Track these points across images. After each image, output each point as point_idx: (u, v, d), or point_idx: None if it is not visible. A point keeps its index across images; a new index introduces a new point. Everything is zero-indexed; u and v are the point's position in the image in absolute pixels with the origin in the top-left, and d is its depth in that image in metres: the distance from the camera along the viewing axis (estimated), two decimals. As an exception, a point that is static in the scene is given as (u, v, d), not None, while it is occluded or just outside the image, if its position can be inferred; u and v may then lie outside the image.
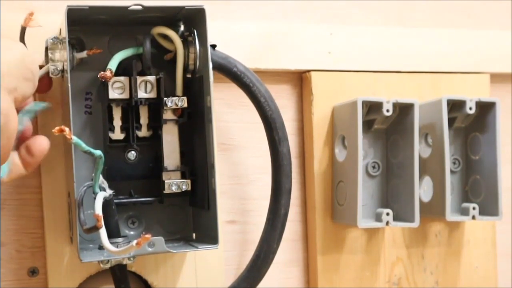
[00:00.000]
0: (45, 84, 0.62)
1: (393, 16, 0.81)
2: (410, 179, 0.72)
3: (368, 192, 0.77)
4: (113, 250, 0.57)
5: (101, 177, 0.60)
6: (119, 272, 0.64)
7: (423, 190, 0.77)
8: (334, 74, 0.77)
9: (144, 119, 0.66)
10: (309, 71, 0.76)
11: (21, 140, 0.59)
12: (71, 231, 0.65)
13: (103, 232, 0.57)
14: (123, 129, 0.65)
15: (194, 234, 0.70)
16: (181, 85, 0.66)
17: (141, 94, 0.65)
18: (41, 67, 0.61)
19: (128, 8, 0.61)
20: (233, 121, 0.75)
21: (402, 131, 0.74)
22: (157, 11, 0.63)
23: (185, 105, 0.65)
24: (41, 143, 0.59)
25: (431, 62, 0.80)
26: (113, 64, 0.63)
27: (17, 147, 0.59)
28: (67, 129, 0.55)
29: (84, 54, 0.63)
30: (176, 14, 0.65)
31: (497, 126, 0.75)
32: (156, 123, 0.66)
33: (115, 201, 0.62)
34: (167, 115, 0.66)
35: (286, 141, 0.70)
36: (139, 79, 0.64)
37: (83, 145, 0.57)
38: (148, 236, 0.54)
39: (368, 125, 0.76)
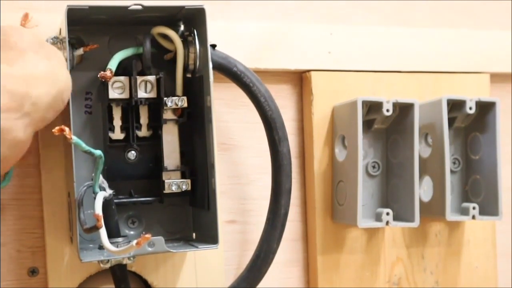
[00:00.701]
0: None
1: (393, 16, 0.81)
2: (410, 179, 0.72)
3: (368, 192, 0.77)
4: (113, 250, 0.57)
5: (101, 177, 0.60)
6: (119, 272, 0.64)
7: (423, 190, 0.77)
8: (334, 74, 0.77)
9: (144, 119, 0.66)
10: (309, 71, 0.76)
11: None
12: (71, 231, 0.65)
13: (103, 232, 0.57)
14: (123, 129, 0.65)
15: (194, 234, 0.70)
16: (181, 85, 0.66)
17: (141, 94, 0.65)
18: None
19: (128, 8, 0.61)
20: (233, 121, 0.75)
21: (402, 131, 0.74)
22: (157, 11, 0.63)
23: (185, 105, 0.65)
24: None
25: (431, 62, 0.80)
26: (113, 64, 0.63)
27: None
28: (67, 129, 0.55)
29: (81, 51, 0.63)
30: (176, 14, 0.65)
31: (497, 126, 0.75)
32: (156, 123, 0.66)
33: (115, 201, 0.62)
34: (167, 115, 0.66)
35: (286, 141, 0.70)
36: (139, 79, 0.64)
37: (83, 145, 0.57)
38: (148, 236, 0.54)
39: (368, 125, 0.76)
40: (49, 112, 0.53)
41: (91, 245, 0.67)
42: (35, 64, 0.52)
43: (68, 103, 0.60)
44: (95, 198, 0.58)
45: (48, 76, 0.52)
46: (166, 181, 0.65)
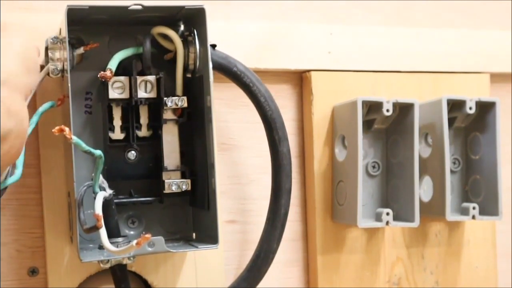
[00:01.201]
0: None
1: (393, 16, 0.81)
2: (410, 179, 0.72)
3: (368, 192, 0.77)
4: (113, 250, 0.57)
5: (101, 177, 0.60)
6: (119, 272, 0.64)
7: (423, 190, 0.77)
8: (334, 74, 0.77)
9: (144, 119, 0.66)
10: (309, 71, 0.76)
11: None
12: (71, 231, 0.65)
13: (103, 232, 0.57)
14: (123, 129, 0.65)
15: (194, 234, 0.70)
16: (181, 85, 0.66)
17: (141, 94, 0.65)
18: (42, 67, 0.61)
19: (128, 8, 0.61)
20: (233, 121, 0.75)
21: (402, 131, 0.74)
22: (157, 11, 0.63)
23: (185, 105, 0.65)
24: None
25: (431, 62, 0.80)
26: (113, 64, 0.63)
27: None
28: (67, 129, 0.55)
29: (81, 50, 0.63)
30: (176, 14, 0.65)
31: (497, 126, 0.75)
32: (156, 123, 0.66)
33: (115, 201, 0.62)
34: (167, 115, 0.66)
35: (286, 141, 0.70)
36: (139, 79, 0.64)
37: (83, 145, 0.57)
38: (148, 236, 0.54)
39: (368, 125, 0.76)
40: (24, 75, 0.52)
41: (91, 245, 0.66)
42: None
43: (68, 103, 0.60)
44: (95, 198, 0.58)
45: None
46: (166, 181, 0.65)
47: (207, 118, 0.64)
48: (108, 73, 0.62)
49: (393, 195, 0.76)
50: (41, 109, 0.60)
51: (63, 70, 0.61)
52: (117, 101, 0.64)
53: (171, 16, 0.65)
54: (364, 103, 0.72)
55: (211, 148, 0.64)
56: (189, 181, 0.66)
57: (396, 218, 0.73)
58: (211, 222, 0.64)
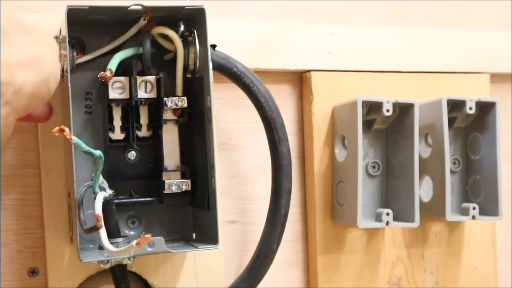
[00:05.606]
0: (45, 112, 0.59)
1: (393, 16, 0.81)
2: (410, 179, 0.72)
3: (368, 192, 0.77)
4: (113, 250, 0.57)
5: (101, 177, 0.60)
6: (119, 272, 0.64)
7: (423, 190, 0.77)
8: (334, 74, 0.77)
9: (144, 119, 0.66)
10: (309, 71, 0.76)
11: None
12: (71, 231, 0.65)
13: (103, 232, 0.57)
14: (123, 129, 0.65)
15: (194, 234, 0.70)
16: (181, 85, 0.66)
17: (141, 94, 0.65)
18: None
19: (128, 8, 0.61)
20: (233, 121, 0.75)
21: (402, 131, 0.74)
22: (157, 11, 0.63)
23: (185, 105, 0.65)
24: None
25: (431, 62, 0.80)
26: (113, 64, 0.63)
27: None
28: (67, 129, 0.55)
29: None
30: (176, 14, 0.65)
31: (497, 126, 0.75)
32: (156, 123, 0.66)
33: (115, 201, 0.62)
34: (167, 115, 0.66)
35: (286, 141, 0.70)
36: (139, 79, 0.64)
37: (83, 145, 0.57)
38: (148, 236, 0.54)
39: (368, 125, 0.76)
40: (33, 100, 0.51)
41: (91, 245, 0.67)
42: (21, 49, 0.49)
43: (68, 103, 0.60)
44: (95, 198, 0.58)
45: (33, 62, 0.50)
46: (166, 181, 0.65)
47: (207, 118, 0.64)
48: (108, 73, 0.62)
49: (393, 195, 0.76)
50: None
51: (63, 70, 0.61)
52: (117, 101, 0.64)
53: (171, 16, 0.65)
54: (364, 103, 0.72)
55: (211, 148, 0.64)
56: (189, 181, 0.66)
57: (396, 218, 0.73)
58: (211, 222, 0.64)
